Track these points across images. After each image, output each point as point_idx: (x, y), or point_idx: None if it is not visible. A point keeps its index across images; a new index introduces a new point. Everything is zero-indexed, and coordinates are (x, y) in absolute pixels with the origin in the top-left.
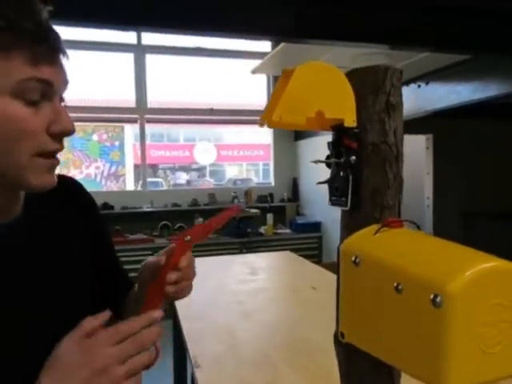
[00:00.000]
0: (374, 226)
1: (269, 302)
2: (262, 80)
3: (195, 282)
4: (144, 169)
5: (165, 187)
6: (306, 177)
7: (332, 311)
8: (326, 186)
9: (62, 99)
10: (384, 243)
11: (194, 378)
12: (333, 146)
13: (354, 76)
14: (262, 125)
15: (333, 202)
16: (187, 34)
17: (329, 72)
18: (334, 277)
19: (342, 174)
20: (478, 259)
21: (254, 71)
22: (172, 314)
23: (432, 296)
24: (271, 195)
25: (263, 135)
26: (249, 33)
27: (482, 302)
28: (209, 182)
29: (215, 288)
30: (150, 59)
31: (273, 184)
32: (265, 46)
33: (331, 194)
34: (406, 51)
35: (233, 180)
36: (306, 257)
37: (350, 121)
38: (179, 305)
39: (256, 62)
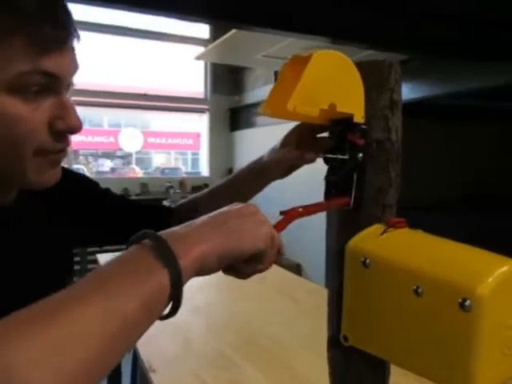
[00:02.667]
0: (378, 226)
1: (217, 297)
2: (197, 67)
3: None
4: (69, 154)
5: (87, 174)
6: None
7: (288, 305)
8: None
9: (68, 86)
10: (395, 244)
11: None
12: (337, 141)
13: (358, 70)
14: (263, 114)
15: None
16: (118, 9)
17: (343, 63)
18: (279, 269)
19: (343, 171)
20: (500, 261)
21: (198, 57)
22: None
23: (460, 300)
24: (206, 185)
25: (194, 124)
26: (185, 13)
27: (508, 304)
28: (135, 170)
29: None
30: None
31: (207, 174)
32: (203, 32)
33: (328, 191)
34: (348, 47)
35: (161, 169)
36: None
37: (359, 116)
38: None
39: (192, 48)
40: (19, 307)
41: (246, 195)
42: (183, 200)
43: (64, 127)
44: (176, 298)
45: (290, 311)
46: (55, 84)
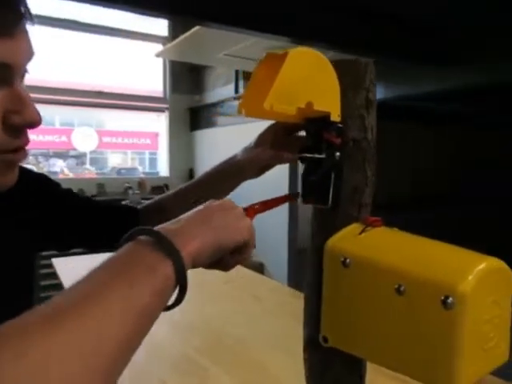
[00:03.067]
0: (355, 225)
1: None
2: (156, 66)
3: None
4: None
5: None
6: (202, 167)
7: (252, 305)
8: None
9: (23, 75)
10: (374, 243)
11: None
12: (313, 140)
13: (334, 68)
14: (238, 113)
15: (306, 200)
16: (73, 0)
17: (320, 61)
18: (242, 269)
19: (321, 170)
20: (478, 258)
21: (158, 55)
22: None
23: (443, 297)
24: (166, 186)
25: (152, 123)
26: (146, 8)
27: (485, 300)
28: (90, 171)
29: None
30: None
31: (166, 174)
32: (161, 30)
33: (305, 191)
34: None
35: (117, 169)
36: None
37: (336, 115)
38: None
39: (150, 46)
40: None
41: (217, 195)
42: (148, 201)
43: (20, 122)
44: (182, 287)
45: (254, 310)
46: (7, 74)
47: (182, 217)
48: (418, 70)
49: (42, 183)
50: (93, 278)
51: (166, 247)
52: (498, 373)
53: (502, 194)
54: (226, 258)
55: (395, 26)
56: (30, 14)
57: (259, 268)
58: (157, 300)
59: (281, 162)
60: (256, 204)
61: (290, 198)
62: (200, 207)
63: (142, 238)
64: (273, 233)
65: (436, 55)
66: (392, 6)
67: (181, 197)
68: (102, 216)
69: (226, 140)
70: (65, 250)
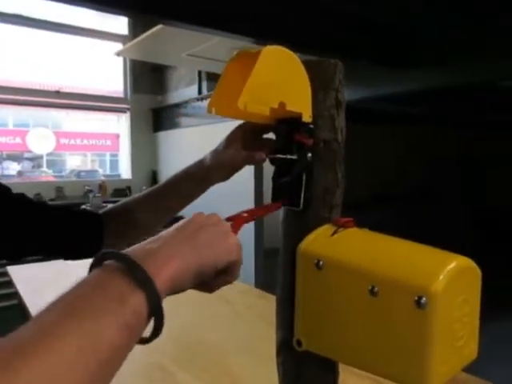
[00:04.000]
0: (327, 227)
1: None
2: (116, 65)
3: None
4: None
5: None
6: (166, 169)
7: (222, 308)
8: None
9: None
10: (347, 245)
11: None
12: (284, 141)
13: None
14: (208, 112)
15: (277, 201)
16: None
17: (292, 60)
18: None
19: (292, 171)
20: (448, 258)
21: (118, 53)
22: None
23: (416, 297)
24: (129, 188)
25: (112, 124)
26: (106, 4)
27: (455, 299)
28: (47, 174)
29: None
30: None
31: (129, 176)
32: (121, 28)
33: (276, 192)
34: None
35: (76, 171)
36: None
37: (307, 116)
38: None
39: (110, 45)
40: None
41: (187, 199)
42: (115, 204)
43: None
44: (158, 321)
45: (224, 314)
46: None
47: (162, 233)
48: (378, 71)
49: None
50: (55, 309)
51: (137, 275)
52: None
53: (468, 193)
54: (209, 279)
55: (358, 27)
56: None
57: None
58: (126, 335)
59: (253, 162)
60: (244, 212)
61: (279, 205)
62: (183, 221)
63: (110, 263)
64: (239, 234)
65: (397, 57)
66: (355, 5)
67: (152, 199)
68: (58, 222)
69: (190, 141)
70: (18, 260)
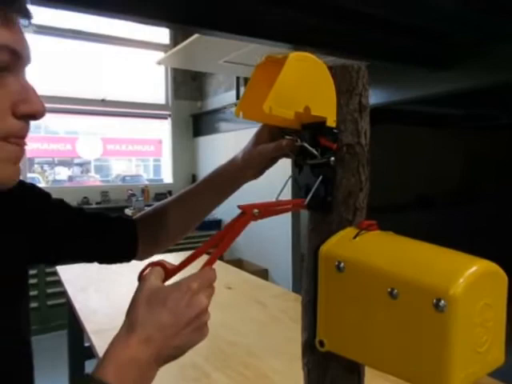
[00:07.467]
0: (350, 229)
1: None
2: (158, 73)
3: (103, 289)
4: (24, 163)
5: (42, 184)
6: (205, 173)
7: (257, 311)
8: None
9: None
10: (368, 247)
11: None
12: (308, 145)
13: None
14: (236, 116)
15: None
16: (76, 11)
17: (318, 65)
18: (246, 274)
19: (316, 175)
20: (470, 261)
21: (159, 62)
22: (74, 329)
23: (435, 300)
24: (170, 192)
25: (155, 130)
26: (146, 16)
27: (476, 303)
28: (95, 178)
29: (126, 295)
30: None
31: (170, 181)
32: (163, 37)
33: (297, 194)
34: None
35: (122, 176)
36: (208, 255)
37: (332, 120)
38: (84, 317)
39: (153, 54)
40: None
41: (220, 197)
42: (147, 209)
43: (28, 110)
44: None
45: (258, 317)
46: (16, 62)
47: (146, 332)
48: (411, 73)
49: (34, 194)
50: None
51: None
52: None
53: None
54: None
55: (399, 31)
56: (30, 13)
57: (263, 274)
58: None
59: (282, 151)
60: (256, 205)
61: (299, 202)
62: (168, 316)
63: None
64: (277, 238)
65: (441, 58)
66: (394, 10)
67: (182, 199)
68: (94, 227)
69: (228, 145)
70: (56, 264)
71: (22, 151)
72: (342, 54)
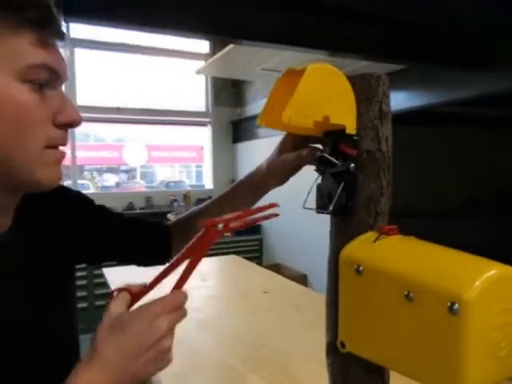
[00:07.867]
0: (371, 234)
1: (223, 309)
2: (199, 81)
3: None
4: (74, 170)
5: (92, 190)
6: None
7: (293, 316)
8: None
9: (62, 82)
10: (387, 251)
11: None
12: (329, 151)
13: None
14: (259, 125)
15: (321, 209)
16: (118, 27)
17: (336, 76)
18: (283, 279)
19: (338, 180)
20: (486, 266)
21: (198, 72)
22: None
23: (449, 304)
24: (210, 198)
25: (197, 136)
26: (184, 30)
27: (493, 307)
28: (140, 184)
29: None
30: (81, 54)
31: (211, 186)
32: (203, 47)
33: (320, 200)
34: (346, 59)
35: (165, 182)
36: (247, 259)
37: (351, 128)
38: None
39: (194, 63)
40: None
41: (244, 206)
42: (180, 215)
43: (65, 120)
44: None
45: (295, 321)
46: (55, 79)
47: (106, 358)
48: (452, 75)
49: (78, 200)
50: None
51: None
52: None
53: None
54: None
55: (435, 33)
56: (64, 34)
57: (302, 279)
58: None
59: (302, 160)
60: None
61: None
62: (129, 342)
63: None
64: (316, 243)
65: (485, 59)
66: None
67: (210, 207)
68: (132, 232)
69: (266, 151)
70: (97, 264)
71: (63, 155)
72: (380, 58)
